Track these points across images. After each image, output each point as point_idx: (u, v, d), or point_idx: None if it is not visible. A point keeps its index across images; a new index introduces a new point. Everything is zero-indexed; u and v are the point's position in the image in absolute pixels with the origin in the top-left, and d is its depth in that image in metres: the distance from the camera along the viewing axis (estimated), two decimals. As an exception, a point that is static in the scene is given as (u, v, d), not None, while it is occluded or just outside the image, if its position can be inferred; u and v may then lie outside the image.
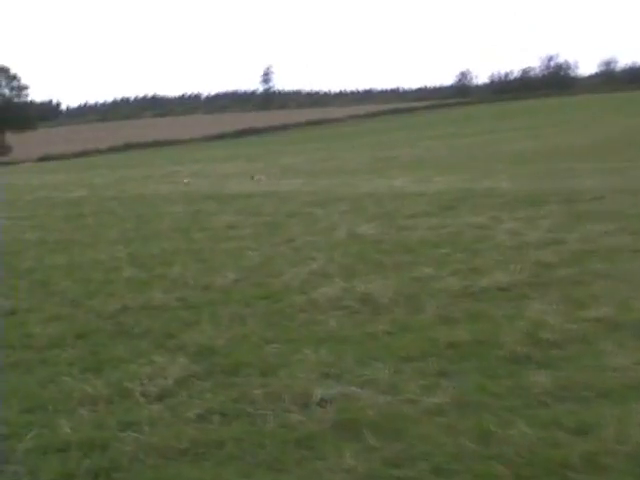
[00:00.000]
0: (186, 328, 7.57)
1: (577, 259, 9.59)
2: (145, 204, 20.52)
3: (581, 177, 18.80)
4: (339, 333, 7.12)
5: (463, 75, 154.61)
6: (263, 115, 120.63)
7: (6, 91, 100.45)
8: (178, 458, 4.74)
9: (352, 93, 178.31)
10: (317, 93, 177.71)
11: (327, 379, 5.86)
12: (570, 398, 5.21)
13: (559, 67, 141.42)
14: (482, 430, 4.75)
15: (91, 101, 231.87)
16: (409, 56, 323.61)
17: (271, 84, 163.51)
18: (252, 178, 26.83)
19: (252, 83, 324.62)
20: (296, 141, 71.77)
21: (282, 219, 15.40)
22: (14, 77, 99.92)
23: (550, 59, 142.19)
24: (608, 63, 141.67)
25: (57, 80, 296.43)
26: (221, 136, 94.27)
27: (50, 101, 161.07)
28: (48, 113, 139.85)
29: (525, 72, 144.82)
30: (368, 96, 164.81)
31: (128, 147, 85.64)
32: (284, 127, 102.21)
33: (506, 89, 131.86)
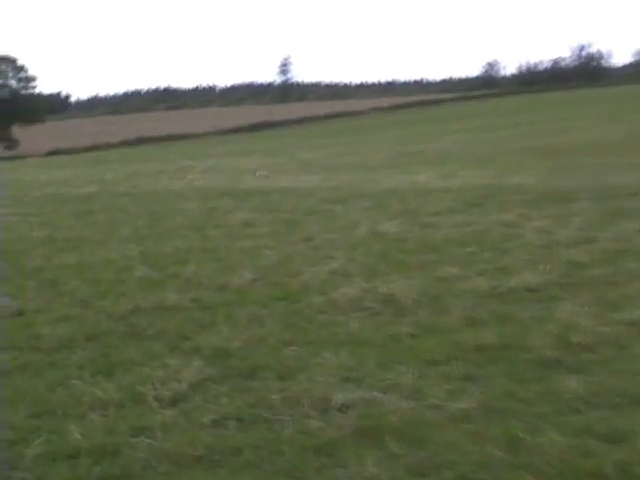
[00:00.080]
0: (201, 330, 7.59)
1: (610, 258, 9.56)
2: (158, 200, 20.59)
3: (614, 172, 18.71)
4: (360, 335, 7.12)
5: (490, 66, 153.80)
6: (281, 108, 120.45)
7: (13, 82, 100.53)
8: (192, 465, 4.75)
9: (374, 85, 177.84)
10: (337, 85, 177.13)
11: (348, 383, 5.86)
12: (603, 404, 5.20)
13: (591, 57, 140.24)
14: (510, 437, 4.74)
15: (102, 93, 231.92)
16: (433, 46, 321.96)
17: (289, 75, 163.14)
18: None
19: (269, 74, 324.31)
20: (315, 135, 71.69)
21: (300, 216, 15.43)
22: (21, 68, 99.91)
23: (582, 48, 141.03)
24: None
25: (66, 71, 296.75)
26: (237, 130, 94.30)
27: (59, 93, 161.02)
28: (57, 106, 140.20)
29: (555, 62, 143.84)
30: (391, 88, 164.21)
31: (140, 141, 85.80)
32: (302, 120, 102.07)
33: (535, 80, 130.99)
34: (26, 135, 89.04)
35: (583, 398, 5.27)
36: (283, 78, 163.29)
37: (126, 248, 12.66)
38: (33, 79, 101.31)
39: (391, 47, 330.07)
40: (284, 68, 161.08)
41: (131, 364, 6.68)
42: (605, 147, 27.98)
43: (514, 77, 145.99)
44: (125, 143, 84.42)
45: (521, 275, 8.83)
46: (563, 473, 4.34)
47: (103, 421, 5.43)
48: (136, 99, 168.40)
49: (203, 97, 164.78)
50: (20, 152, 79.05)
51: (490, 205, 14.99)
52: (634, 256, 9.56)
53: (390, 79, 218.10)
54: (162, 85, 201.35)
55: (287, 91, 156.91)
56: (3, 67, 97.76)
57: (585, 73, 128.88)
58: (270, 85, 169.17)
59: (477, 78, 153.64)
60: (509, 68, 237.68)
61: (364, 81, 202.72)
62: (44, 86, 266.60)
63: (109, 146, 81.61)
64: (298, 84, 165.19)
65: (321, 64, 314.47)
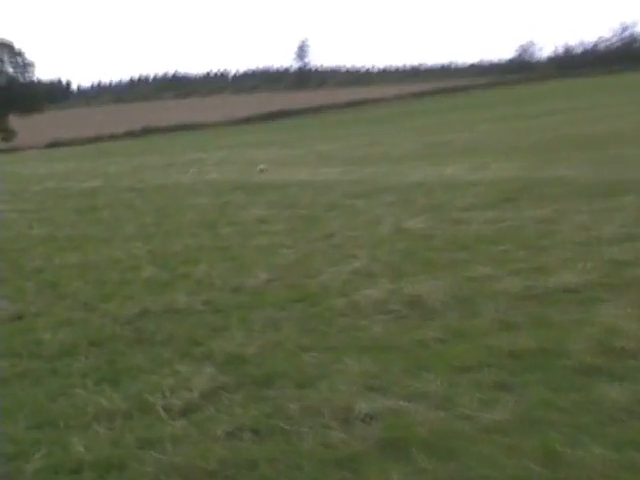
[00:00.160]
0: (213, 334, 7.61)
1: (656, 257, 9.51)
2: (166, 195, 20.67)
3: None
4: (384, 340, 7.12)
5: (524, 48, 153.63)
6: (297, 96, 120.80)
7: (10, 69, 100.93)
8: (205, 480, 4.77)
9: (398, 70, 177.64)
10: (358, 70, 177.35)
11: (371, 392, 5.86)
12: (648, 415, 5.18)
13: (635, 38, 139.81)
14: (548, 450, 4.72)
15: (105, 80, 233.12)
16: (462, 27, 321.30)
17: (307, 60, 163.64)
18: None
19: (285, 60, 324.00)
20: (335, 125, 71.82)
21: (320, 212, 15.44)
22: (18, 53, 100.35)
23: (625, 29, 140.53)
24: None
25: (68, 57, 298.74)
26: (250, 119, 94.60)
27: (59, 80, 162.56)
28: (57, 94, 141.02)
29: (596, 44, 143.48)
30: (416, 73, 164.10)
31: (147, 132, 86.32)
32: (321, 109, 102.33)
33: (573, 64, 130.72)
34: (24, 125, 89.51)
35: (626, 408, 5.25)
36: (300, 63, 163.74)
37: (132, 247, 12.71)
38: (31, 65, 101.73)
39: (416, 29, 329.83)
40: (301, 52, 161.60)
41: (138, 371, 6.70)
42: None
43: (550, 60, 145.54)
44: (130, 134, 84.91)
45: (559, 275, 8.79)
46: (605, 489, 4.33)
47: (108, 433, 5.45)
48: (142, 86, 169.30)
49: (214, 84, 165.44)
50: (18, 144, 79.54)
51: (524, 200, 14.93)
52: (682, 254, 9.52)
53: (415, 64, 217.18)
54: (170, 71, 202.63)
55: (304, 77, 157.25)
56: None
57: (628, 56, 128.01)
58: (286, 71, 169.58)
59: (510, 62, 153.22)
60: (545, 51, 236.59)
61: (387, 66, 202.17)
62: (43, 73, 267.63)
63: (113, 137, 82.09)
64: (316, 70, 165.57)
65: (341, 48, 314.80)
